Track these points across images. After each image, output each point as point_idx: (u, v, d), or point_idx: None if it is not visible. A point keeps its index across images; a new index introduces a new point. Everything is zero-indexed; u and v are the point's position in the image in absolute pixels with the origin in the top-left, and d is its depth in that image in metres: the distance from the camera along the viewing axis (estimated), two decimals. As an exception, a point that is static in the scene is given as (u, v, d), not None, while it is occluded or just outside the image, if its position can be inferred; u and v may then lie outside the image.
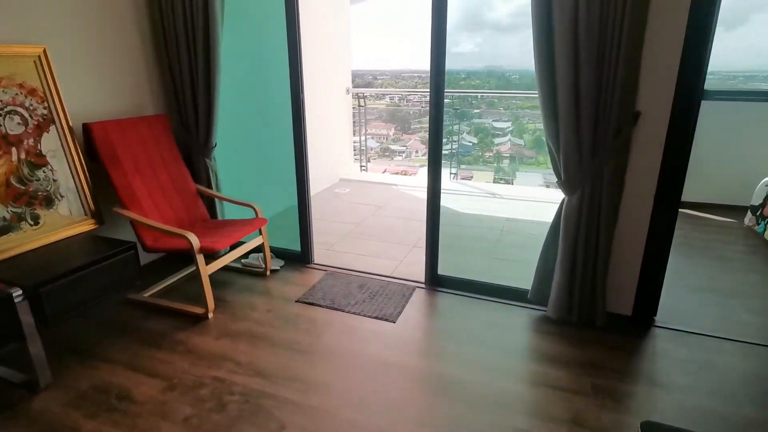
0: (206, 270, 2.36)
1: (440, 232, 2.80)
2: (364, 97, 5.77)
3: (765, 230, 3.62)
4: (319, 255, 3.27)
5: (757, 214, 3.79)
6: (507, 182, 6.99)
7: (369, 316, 2.48)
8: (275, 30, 2.88)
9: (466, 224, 4.13)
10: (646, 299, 2.37)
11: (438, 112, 2.52)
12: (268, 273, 2.95)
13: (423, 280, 2.88)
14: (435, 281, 2.83)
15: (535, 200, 4.78)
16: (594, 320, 2.38)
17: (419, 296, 2.72)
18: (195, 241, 2.28)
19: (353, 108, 5.77)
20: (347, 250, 3.48)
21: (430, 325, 2.42)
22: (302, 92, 2.81)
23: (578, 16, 1.94)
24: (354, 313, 2.51)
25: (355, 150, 6.03)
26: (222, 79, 2.82)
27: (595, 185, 2.18)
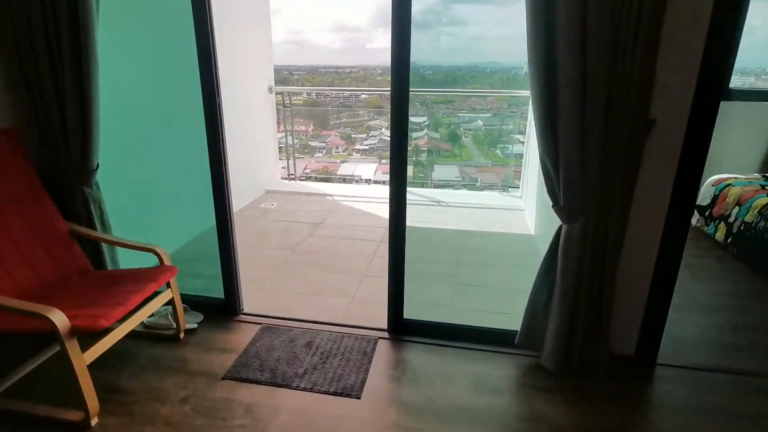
0: (83, 360, 1.62)
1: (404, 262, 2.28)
2: (290, 96, 5.06)
3: (716, 231, 3.56)
4: (249, 298, 2.60)
5: (706, 215, 3.73)
6: (424, 182, 6.66)
7: (325, 392, 1.89)
8: (181, 22, 2.15)
9: (416, 240, 3.65)
10: (651, 335, 2.04)
11: (401, 118, 1.99)
12: (181, 335, 2.23)
13: (384, 326, 2.34)
14: (400, 328, 2.30)
15: (483, 207, 4.44)
16: (596, 365, 2.00)
17: (384, 351, 2.18)
18: (61, 320, 1.54)
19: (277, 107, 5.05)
20: (284, 287, 2.83)
21: (405, 398, 1.89)
22: (218, 95, 2.12)
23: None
24: (305, 389, 1.90)
25: (281, 152, 5.31)
26: (109, 83, 2.06)
27: (601, 209, 1.78)
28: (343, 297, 2.71)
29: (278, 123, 5.10)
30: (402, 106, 1.97)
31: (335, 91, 9.67)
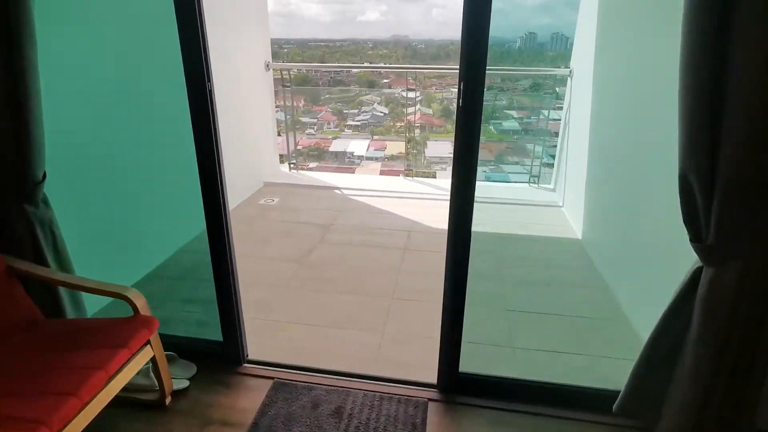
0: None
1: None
2: (289, 73, 4.40)
3: None
4: (252, 333, 2.05)
5: None
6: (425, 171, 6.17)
7: (369, 497, 1.37)
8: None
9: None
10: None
11: (473, 105, 1.42)
12: (168, 399, 1.69)
13: (433, 380, 1.82)
14: (455, 386, 1.78)
15: (516, 202, 3.90)
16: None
17: (437, 422, 1.66)
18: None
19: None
20: (294, 316, 2.29)
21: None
22: (209, 79, 1.52)
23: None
24: (340, 492, 1.38)
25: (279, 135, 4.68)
26: (59, 62, 1.46)
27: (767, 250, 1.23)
28: (371, 332, 2.18)
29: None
30: (474, 94, 1.39)
31: (345, 67, 9.00)
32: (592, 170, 3.10)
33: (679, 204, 1.27)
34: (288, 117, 4.56)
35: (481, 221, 3.57)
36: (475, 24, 1.31)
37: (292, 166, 4.58)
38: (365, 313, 2.34)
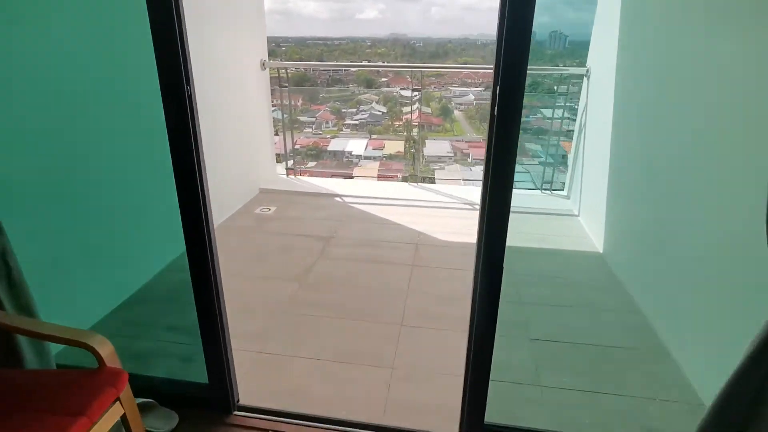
0: None
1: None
2: (287, 72, 4.13)
3: None
4: (245, 375, 1.80)
5: None
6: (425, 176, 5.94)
7: None
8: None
9: (453, 261, 2.85)
10: None
11: (511, 111, 1.16)
12: (143, 461, 1.43)
13: (454, 430, 1.57)
14: (481, 440, 1.53)
15: (528, 210, 3.65)
16: None
17: (461, 486, 1.41)
18: None
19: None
20: (294, 349, 2.03)
21: None
22: (188, 82, 1.26)
23: None
24: None
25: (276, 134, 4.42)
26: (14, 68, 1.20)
27: None
28: (379, 367, 1.93)
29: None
30: (512, 98, 1.14)
31: (344, 66, 8.83)
32: (616, 177, 2.85)
33: (732, 218, 1.03)
34: (285, 116, 4.30)
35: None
36: (515, 19, 1.06)
37: (290, 170, 4.32)
38: (372, 343, 2.09)
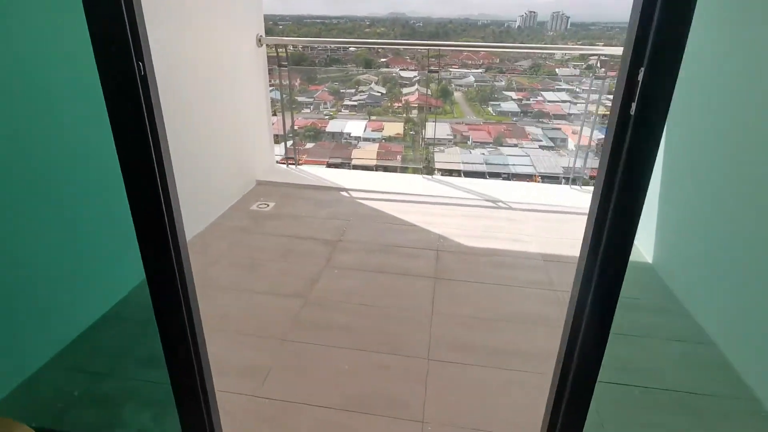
0: None
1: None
2: (286, 50, 3.64)
3: None
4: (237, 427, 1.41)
5: None
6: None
7: None
8: None
9: (479, 275, 2.45)
10: None
11: (657, 107, 0.74)
12: None
13: None
14: None
15: (555, 209, 3.23)
16: None
17: None
18: None
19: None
20: (295, 394, 1.64)
21: None
22: (140, 57, 0.82)
23: None
24: None
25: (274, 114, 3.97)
26: None
27: None
28: (407, 419, 1.54)
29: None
30: (660, 91, 0.72)
31: (345, 44, 8.40)
32: (672, 174, 2.44)
33: None
34: (285, 96, 3.85)
35: (521, 236, 2.94)
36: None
37: (289, 159, 3.88)
38: (394, 385, 1.69)
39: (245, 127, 3.31)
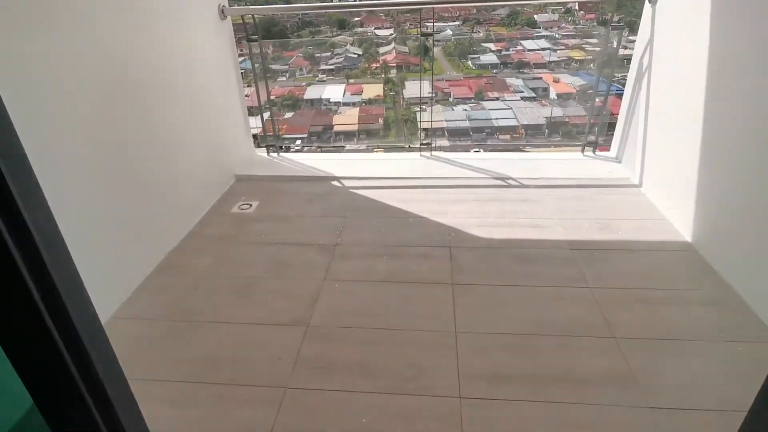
0: None
1: None
2: (254, 19, 3.14)
3: None
4: None
5: None
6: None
7: None
8: None
9: (503, 273, 2.15)
10: None
11: None
12: None
13: None
14: None
15: (572, 183, 2.90)
16: None
17: None
18: None
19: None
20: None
21: None
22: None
23: None
24: None
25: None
26: None
27: None
28: (447, 491, 1.26)
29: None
30: None
31: (316, 9, 7.71)
32: (717, 138, 2.10)
33: None
34: (258, 66, 3.39)
35: (541, 220, 2.62)
36: None
37: (269, 147, 3.45)
38: (425, 439, 1.41)
39: (216, 114, 2.88)
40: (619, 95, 3.14)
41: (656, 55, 2.67)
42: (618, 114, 3.17)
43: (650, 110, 2.72)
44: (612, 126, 3.29)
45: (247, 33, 3.08)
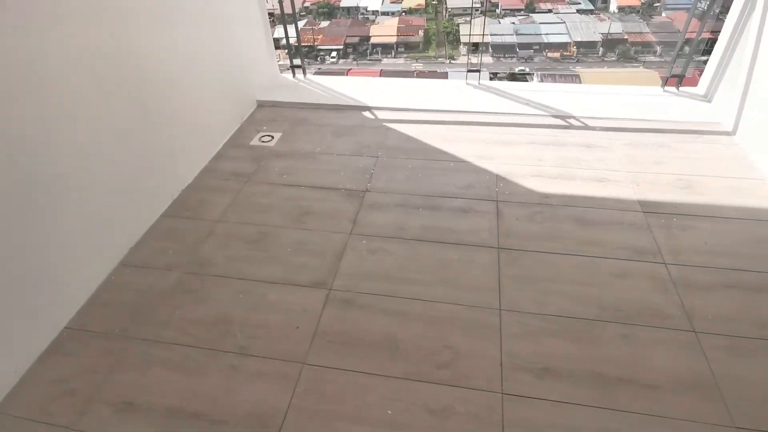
0: None
1: None
2: None
3: None
4: None
5: None
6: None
7: None
8: None
9: (562, 238, 1.84)
10: None
11: None
12: None
13: None
14: None
15: (648, 127, 2.44)
16: None
17: None
18: None
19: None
20: (327, 458, 1.19)
21: None
22: None
23: None
24: None
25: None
26: None
27: None
28: None
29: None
30: None
31: None
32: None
33: None
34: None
35: (609, 172, 2.20)
36: None
37: (295, 67, 3.05)
38: (459, 443, 1.21)
39: (231, 28, 2.48)
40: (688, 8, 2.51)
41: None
42: (697, 38, 2.57)
43: (764, 40, 2.14)
44: (705, 53, 2.70)
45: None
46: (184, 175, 2.18)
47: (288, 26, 2.93)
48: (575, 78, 13.80)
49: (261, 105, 2.79)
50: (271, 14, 2.97)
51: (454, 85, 2.90)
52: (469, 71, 2.86)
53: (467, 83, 2.88)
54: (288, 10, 2.86)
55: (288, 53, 2.99)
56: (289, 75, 3.06)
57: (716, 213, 1.88)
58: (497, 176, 2.14)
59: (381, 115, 2.66)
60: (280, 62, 3.09)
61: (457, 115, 2.60)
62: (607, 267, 1.68)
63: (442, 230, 1.86)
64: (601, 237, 1.80)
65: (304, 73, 3.05)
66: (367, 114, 2.69)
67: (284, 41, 2.95)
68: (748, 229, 1.81)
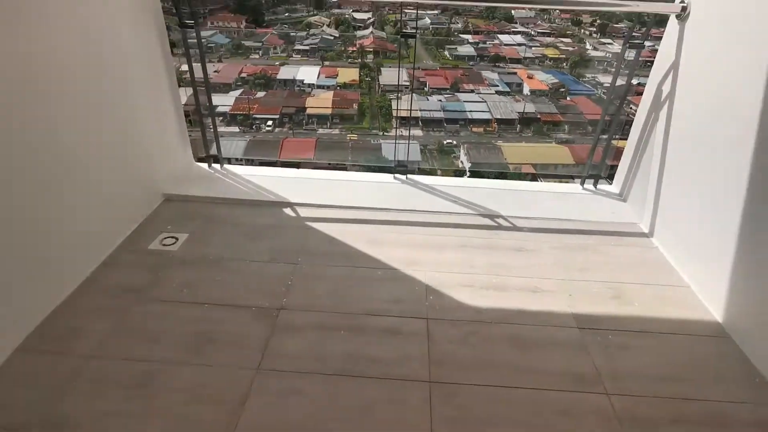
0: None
1: None
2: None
3: None
4: None
5: None
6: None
7: None
8: None
9: (498, 368, 1.66)
10: None
11: None
12: None
13: None
14: None
15: (570, 228, 2.44)
16: None
17: None
18: None
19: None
20: None
21: None
22: None
23: None
24: None
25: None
26: None
27: None
28: None
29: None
30: None
31: None
32: (757, 183, 1.66)
33: None
34: (229, 41, 2.70)
35: (540, 280, 2.11)
36: None
37: (211, 158, 2.81)
38: None
39: (136, 115, 2.22)
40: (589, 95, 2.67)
41: (682, 80, 2.21)
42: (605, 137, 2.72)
43: (670, 144, 2.26)
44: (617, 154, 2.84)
45: (180, 16, 2.40)
46: (55, 292, 1.79)
47: (204, 114, 2.73)
48: (499, 151, 14.91)
49: (168, 199, 2.49)
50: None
51: (382, 180, 2.80)
52: (397, 166, 2.78)
53: (395, 177, 2.79)
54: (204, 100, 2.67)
55: (203, 140, 2.77)
56: (204, 165, 2.81)
57: (650, 328, 1.81)
58: (427, 287, 1.97)
59: (303, 212, 2.46)
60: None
61: (384, 213, 2.47)
62: (549, 402, 1.51)
63: (366, 360, 1.62)
64: (539, 363, 1.64)
65: (221, 164, 2.81)
66: (287, 211, 2.47)
67: (199, 130, 2.73)
68: (686, 346, 1.75)
